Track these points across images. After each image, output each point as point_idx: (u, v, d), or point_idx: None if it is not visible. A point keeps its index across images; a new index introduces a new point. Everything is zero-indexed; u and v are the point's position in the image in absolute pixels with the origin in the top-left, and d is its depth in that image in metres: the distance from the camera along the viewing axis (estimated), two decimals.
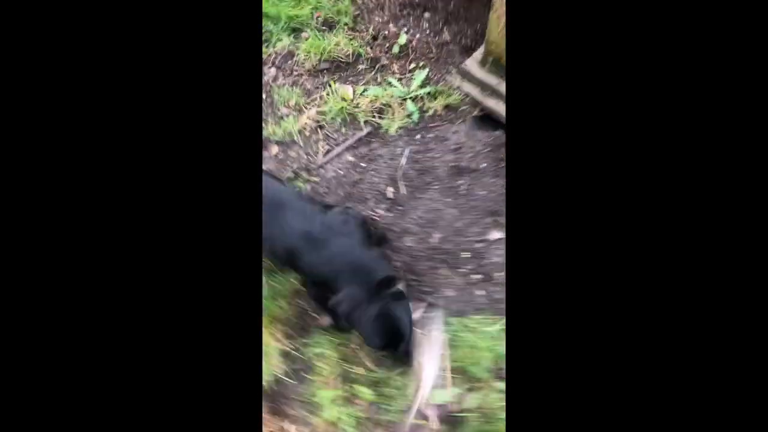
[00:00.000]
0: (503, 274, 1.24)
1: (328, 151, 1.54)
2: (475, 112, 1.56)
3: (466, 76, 1.57)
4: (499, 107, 1.52)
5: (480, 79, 1.54)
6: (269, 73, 1.70)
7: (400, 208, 1.41)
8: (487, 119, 1.55)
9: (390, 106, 1.58)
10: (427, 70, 1.60)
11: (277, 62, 1.72)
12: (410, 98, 1.57)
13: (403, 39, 1.65)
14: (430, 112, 1.57)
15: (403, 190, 1.43)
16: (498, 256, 1.29)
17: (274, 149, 1.55)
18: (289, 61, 1.72)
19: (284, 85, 1.67)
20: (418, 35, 1.68)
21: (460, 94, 1.57)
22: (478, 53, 1.56)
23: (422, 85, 1.59)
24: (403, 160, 1.48)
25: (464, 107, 1.58)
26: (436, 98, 1.58)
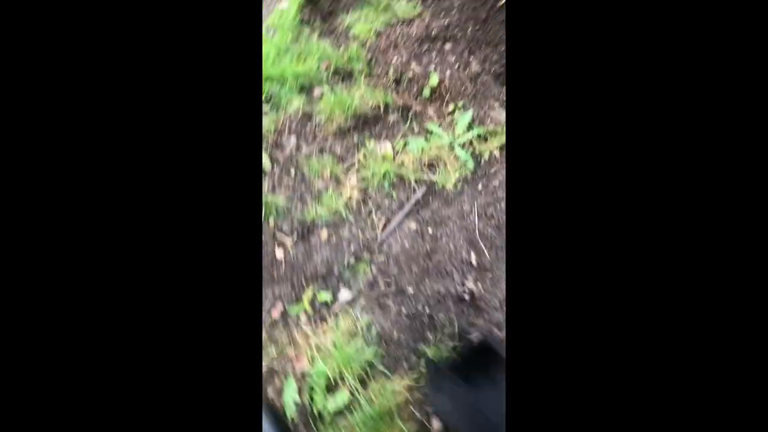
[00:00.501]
0: None
1: (386, 223, 1.40)
2: None
3: None
4: None
5: None
6: (289, 143, 1.54)
7: (491, 276, 1.30)
8: None
9: (439, 158, 1.45)
10: (470, 111, 1.49)
11: (294, 128, 1.56)
12: (459, 145, 1.46)
13: (435, 79, 1.53)
14: (486, 157, 1.46)
15: (486, 253, 1.32)
16: None
17: (324, 233, 1.39)
18: (308, 125, 1.57)
19: (311, 154, 1.51)
20: (448, 71, 1.57)
21: None
22: None
23: (468, 128, 1.48)
24: (476, 218, 1.36)
25: None
26: (486, 140, 1.48)
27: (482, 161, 1.48)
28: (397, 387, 1.17)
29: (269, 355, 1.25)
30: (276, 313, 1.32)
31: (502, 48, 1.67)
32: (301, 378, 1.22)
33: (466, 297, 1.27)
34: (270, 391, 1.22)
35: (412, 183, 1.46)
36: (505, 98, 1.54)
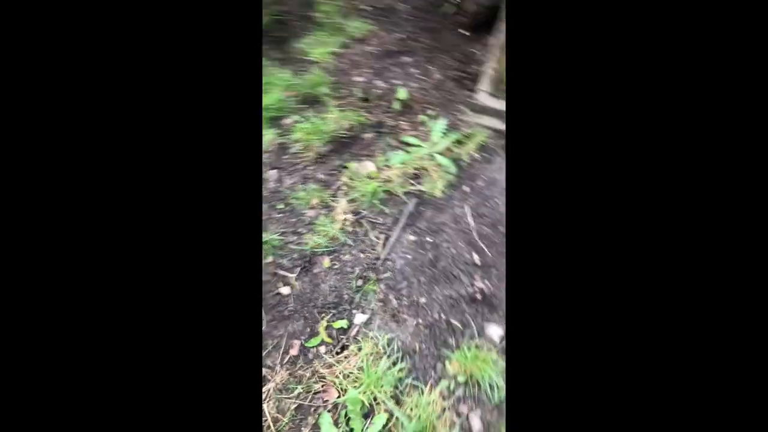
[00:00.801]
0: None
1: (385, 240, 1.45)
2: (502, 142, 1.59)
3: (483, 110, 1.59)
4: None
5: (496, 109, 1.57)
6: (271, 177, 1.56)
7: (496, 272, 1.38)
8: None
9: (423, 168, 1.53)
10: (442, 118, 1.58)
11: (272, 161, 1.58)
12: (438, 153, 1.55)
13: (402, 93, 1.61)
14: (466, 159, 1.56)
15: (487, 251, 1.40)
16: None
17: (326, 262, 1.42)
18: (286, 156, 1.59)
19: (295, 185, 1.54)
20: (413, 83, 1.66)
21: (484, 130, 1.59)
22: (484, 85, 1.59)
23: (444, 135, 1.57)
24: (470, 219, 1.45)
25: (493, 140, 1.60)
26: (463, 143, 1.57)
27: (463, 164, 1.57)
28: (431, 397, 1.22)
29: (295, 393, 1.26)
30: (294, 351, 1.33)
31: (457, 54, 1.79)
32: (334, 409, 1.24)
33: (478, 296, 1.35)
34: (306, 431, 1.23)
35: (402, 196, 1.52)
36: (473, 102, 1.65)
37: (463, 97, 1.68)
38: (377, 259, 1.44)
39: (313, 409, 1.27)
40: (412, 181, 1.54)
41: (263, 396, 1.23)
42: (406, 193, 1.53)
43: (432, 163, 1.56)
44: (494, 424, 1.19)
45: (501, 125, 1.59)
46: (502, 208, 1.49)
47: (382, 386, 1.23)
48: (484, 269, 1.40)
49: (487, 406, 1.21)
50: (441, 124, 1.59)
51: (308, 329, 1.36)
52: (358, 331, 1.34)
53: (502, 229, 1.46)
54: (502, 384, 1.21)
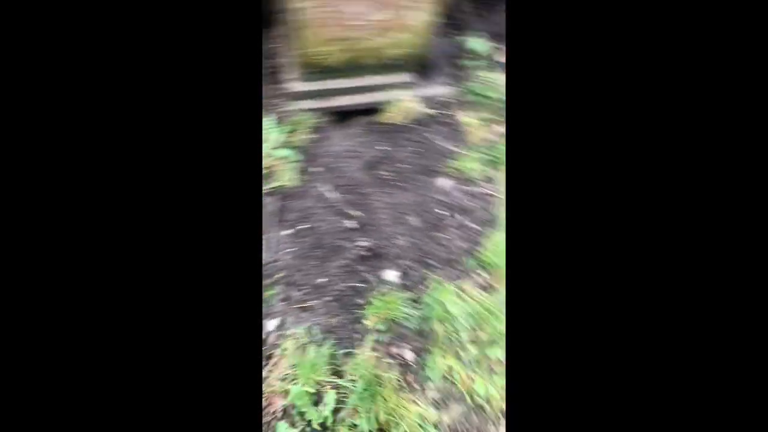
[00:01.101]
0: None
1: (264, 245, 1.50)
2: (329, 118, 1.75)
3: (299, 96, 1.72)
4: (344, 101, 1.75)
5: (311, 90, 1.72)
6: None
7: (372, 227, 1.55)
8: (344, 115, 1.77)
9: (269, 166, 1.61)
10: (268, 115, 1.66)
11: None
12: (276, 147, 1.64)
13: None
14: (302, 144, 1.68)
15: (357, 213, 1.56)
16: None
17: None
18: None
19: None
20: None
21: (309, 113, 1.72)
22: (291, 74, 1.71)
23: (274, 130, 1.66)
24: (331, 194, 1.58)
25: (320, 119, 1.74)
26: (295, 131, 1.69)
27: (303, 149, 1.68)
28: (364, 355, 1.34)
29: None
30: None
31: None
32: (285, 412, 1.28)
33: (365, 253, 1.50)
34: None
35: (261, 199, 1.57)
36: (289, 92, 1.75)
37: (278, 90, 1.77)
38: (264, 264, 1.48)
39: (264, 426, 1.28)
40: (265, 181, 1.60)
41: None
42: (266, 194, 1.58)
43: (274, 159, 1.63)
44: (421, 348, 1.38)
45: (320, 104, 1.74)
46: (354, 174, 1.65)
47: (319, 370, 1.31)
48: (361, 230, 1.56)
49: (410, 337, 1.39)
50: (267, 121, 1.67)
51: None
52: (276, 337, 1.38)
53: (362, 190, 1.63)
54: (413, 312, 1.40)
